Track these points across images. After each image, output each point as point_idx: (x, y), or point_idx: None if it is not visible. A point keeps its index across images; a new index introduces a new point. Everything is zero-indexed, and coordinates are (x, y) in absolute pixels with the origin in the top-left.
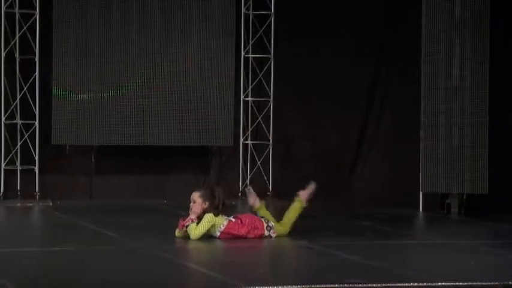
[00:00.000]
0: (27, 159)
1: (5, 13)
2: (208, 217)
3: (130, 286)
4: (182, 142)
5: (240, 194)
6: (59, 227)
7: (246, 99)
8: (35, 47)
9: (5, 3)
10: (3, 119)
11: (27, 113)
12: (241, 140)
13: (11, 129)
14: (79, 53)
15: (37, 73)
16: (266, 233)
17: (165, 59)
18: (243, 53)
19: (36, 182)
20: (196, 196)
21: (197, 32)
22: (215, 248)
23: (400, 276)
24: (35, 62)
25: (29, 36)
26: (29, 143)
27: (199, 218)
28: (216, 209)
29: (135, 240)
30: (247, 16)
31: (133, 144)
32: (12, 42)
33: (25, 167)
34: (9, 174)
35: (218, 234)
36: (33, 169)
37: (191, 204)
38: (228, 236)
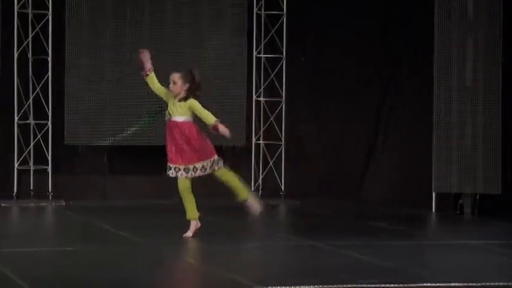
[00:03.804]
0: (40, 159)
1: (18, 13)
2: (194, 101)
3: (143, 286)
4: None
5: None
6: (71, 227)
7: (258, 99)
8: (48, 47)
9: (17, 4)
10: (16, 119)
11: (40, 113)
12: (254, 140)
13: (24, 129)
14: (91, 53)
15: (50, 73)
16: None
17: (177, 59)
18: (255, 53)
19: (49, 182)
20: (176, 77)
21: (209, 32)
22: (227, 248)
23: (413, 277)
24: (48, 62)
25: (41, 36)
26: (42, 143)
27: (180, 100)
28: (195, 90)
29: (147, 240)
30: (259, 16)
31: (145, 144)
32: (25, 43)
33: (38, 167)
34: (23, 174)
35: (188, 118)
36: (46, 169)
37: (171, 85)
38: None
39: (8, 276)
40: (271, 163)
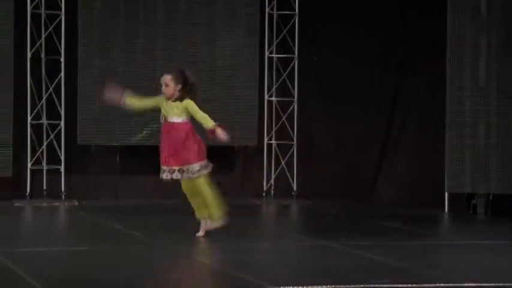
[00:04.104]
0: (53, 159)
1: (31, 14)
2: (190, 102)
3: (155, 286)
4: (206, 142)
5: (264, 194)
6: (84, 226)
7: (270, 99)
8: (61, 47)
9: (30, 4)
10: (29, 119)
11: (52, 113)
12: (266, 140)
13: (37, 129)
14: (104, 54)
15: (62, 73)
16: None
17: (189, 59)
18: (267, 53)
19: (62, 182)
20: (168, 79)
21: (222, 32)
22: (239, 247)
23: (426, 277)
24: (61, 63)
25: (54, 36)
26: (55, 143)
27: (175, 100)
28: (189, 92)
29: (159, 240)
30: (271, 16)
31: (158, 144)
32: (38, 43)
33: (51, 167)
34: (36, 174)
35: (184, 120)
36: (59, 169)
37: (163, 88)
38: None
39: (21, 276)
40: (283, 163)
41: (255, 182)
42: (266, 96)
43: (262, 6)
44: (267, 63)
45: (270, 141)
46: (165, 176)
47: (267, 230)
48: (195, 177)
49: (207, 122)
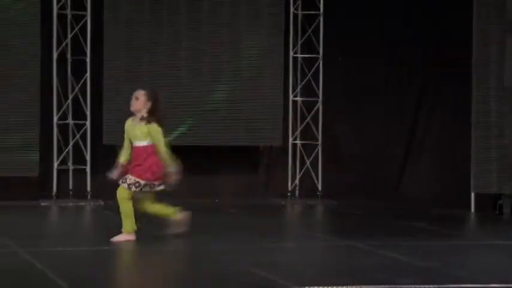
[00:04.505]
0: (79, 159)
1: (57, 14)
2: (156, 128)
3: (177, 284)
4: (232, 142)
5: (289, 194)
6: (110, 226)
7: (295, 99)
8: (86, 47)
9: (57, 5)
10: (55, 119)
11: (78, 113)
12: (290, 140)
13: (63, 129)
14: (129, 54)
15: (88, 73)
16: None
17: (213, 59)
18: (291, 53)
19: (88, 182)
20: (140, 94)
21: (246, 32)
22: (264, 247)
23: (452, 277)
24: (86, 63)
25: (80, 37)
26: (81, 143)
27: (141, 120)
28: (157, 112)
29: (186, 240)
30: (296, 16)
31: (183, 145)
32: (64, 43)
33: (77, 167)
34: (62, 174)
35: (145, 144)
36: (85, 169)
37: (132, 101)
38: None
39: (48, 275)
40: (308, 163)
41: (280, 182)
42: (291, 96)
43: (286, 6)
44: (292, 63)
45: (295, 141)
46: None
47: (292, 230)
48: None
49: (168, 161)
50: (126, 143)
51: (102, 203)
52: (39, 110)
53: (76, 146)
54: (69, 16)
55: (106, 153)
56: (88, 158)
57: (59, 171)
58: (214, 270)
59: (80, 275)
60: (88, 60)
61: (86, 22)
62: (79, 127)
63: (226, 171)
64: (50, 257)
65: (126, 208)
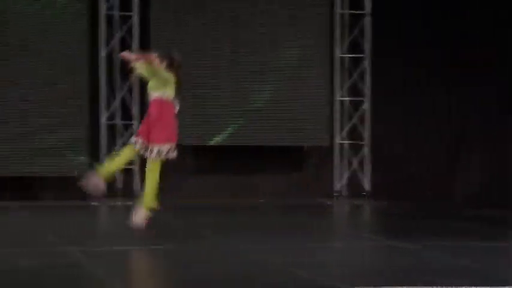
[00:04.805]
0: None
1: (105, 15)
2: (166, 74)
3: (223, 284)
4: (278, 142)
5: (336, 194)
6: (156, 225)
7: (341, 99)
8: (133, 47)
9: (105, 6)
10: (103, 119)
11: (126, 114)
12: (336, 139)
13: (110, 129)
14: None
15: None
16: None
17: (259, 60)
18: (338, 53)
19: (136, 182)
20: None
21: (291, 32)
22: (310, 247)
23: (499, 280)
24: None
25: (127, 37)
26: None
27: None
28: (176, 69)
29: (230, 240)
30: (342, 16)
31: (229, 144)
32: (112, 43)
33: (125, 167)
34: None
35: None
36: (133, 168)
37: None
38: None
39: (100, 274)
40: (355, 163)
41: (327, 182)
42: (337, 96)
43: (332, 6)
44: (338, 62)
45: (341, 141)
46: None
47: (339, 230)
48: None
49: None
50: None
51: None
52: (88, 110)
53: (124, 146)
54: (116, 16)
55: None
56: (136, 157)
57: None
58: (260, 270)
59: (131, 274)
60: None
61: (132, 22)
62: (126, 127)
63: (272, 171)
64: (100, 256)
65: (155, 181)
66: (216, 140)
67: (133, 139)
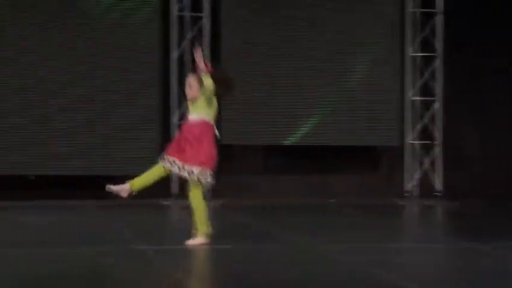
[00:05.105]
0: None
1: (177, 16)
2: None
3: (297, 284)
4: (349, 142)
5: (408, 195)
6: (229, 225)
7: (413, 98)
8: (204, 48)
9: (176, 7)
10: (175, 120)
11: None
12: (408, 139)
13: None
14: (246, 54)
15: None
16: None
17: (331, 59)
18: (409, 52)
19: None
20: (192, 80)
21: (363, 32)
22: (382, 248)
23: None
24: None
25: (198, 38)
26: None
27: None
28: (222, 89)
29: (303, 239)
30: (413, 14)
31: (300, 144)
32: (183, 45)
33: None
34: None
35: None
36: None
37: (186, 89)
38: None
39: (167, 270)
40: (426, 163)
41: (398, 182)
42: (408, 96)
43: (404, 5)
44: (409, 62)
45: (412, 141)
46: (166, 165)
47: (412, 230)
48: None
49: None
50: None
51: (221, 202)
52: (162, 110)
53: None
54: (187, 18)
55: (224, 153)
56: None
57: None
58: (335, 270)
59: (199, 272)
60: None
61: (203, 23)
62: None
63: (344, 171)
64: (171, 255)
65: (201, 206)
66: (292, 140)
67: (163, 157)
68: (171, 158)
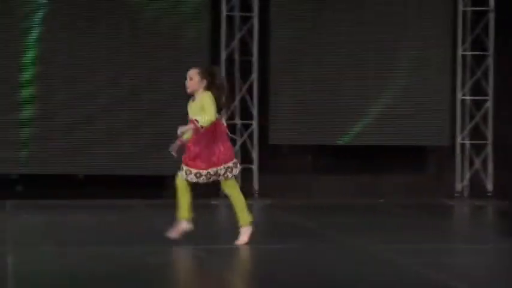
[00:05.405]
0: (247, 158)
1: (226, 16)
2: (208, 95)
3: (346, 285)
4: (399, 142)
5: (458, 195)
6: (277, 225)
7: (463, 97)
8: (253, 48)
9: (226, 7)
10: (223, 119)
11: (245, 114)
12: (458, 139)
13: (230, 129)
14: (295, 54)
15: (255, 74)
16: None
17: (379, 58)
18: (460, 51)
19: (255, 181)
20: (193, 73)
21: (413, 30)
22: (433, 248)
23: None
24: (253, 63)
25: (247, 38)
26: (248, 143)
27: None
28: (217, 89)
29: (352, 239)
30: (464, 13)
31: (350, 144)
32: (232, 44)
33: (244, 166)
34: None
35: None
36: (252, 168)
37: (187, 81)
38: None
39: (217, 269)
40: (477, 163)
41: (448, 182)
42: (459, 95)
43: (455, 3)
44: (460, 61)
45: (463, 141)
46: (190, 178)
47: (463, 231)
48: (228, 177)
49: (202, 117)
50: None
51: (270, 201)
52: None
53: (243, 146)
54: (237, 18)
55: (272, 153)
56: (255, 157)
57: None
58: (384, 270)
59: (250, 271)
60: (255, 60)
61: (253, 23)
62: (246, 127)
63: (392, 171)
64: (220, 255)
65: (241, 198)
66: (345, 140)
67: (179, 172)
68: (185, 168)
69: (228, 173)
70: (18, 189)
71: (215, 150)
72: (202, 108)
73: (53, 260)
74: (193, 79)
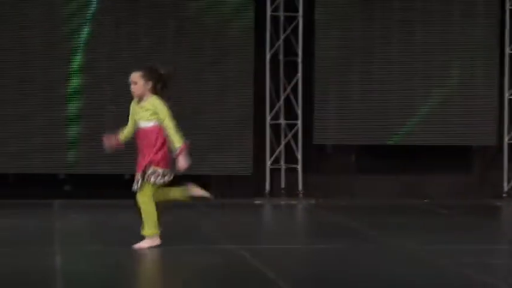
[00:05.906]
0: (291, 158)
1: (271, 16)
2: (157, 100)
3: (387, 284)
4: (444, 142)
5: (505, 195)
6: (321, 225)
7: (511, 97)
8: (298, 48)
9: (270, 7)
10: (268, 119)
11: (290, 113)
12: (506, 139)
13: (275, 129)
14: (340, 54)
15: (300, 74)
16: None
17: (425, 58)
18: (507, 49)
19: (300, 181)
20: (136, 77)
21: (459, 30)
22: (477, 249)
23: None
24: (298, 63)
25: (292, 38)
26: (292, 143)
27: (142, 100)
28: (164, 87)
29: (396, 240)
30: (511, 11)
31: (393, 144)
32: (277, 44)
33: (289, 166)
34: (274, 173)
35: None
36: (296, 168)
37: (131, 87)
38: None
39: (261, 269)
40: None
41: (495, 182)
42: (506, 95)
43: (504, 3)
44: (508, 60)
45: (511, 141)
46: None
47: (508, 232)
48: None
49: (175, 139)
50: (129, 122)
51: (314, 201)
52: (253, 110)
53: (288, 146)
54: (281, 18)
55: (317, 153)
56: (299, 157)
57: (271, 170)
58: (427, 271)
59: (295, 271)
60: (300, 60)
61: (298, 23)
62: (291, 127)
63: (438, 171)
64: (264, 254)
65: (151, 207)
66: (396, 140)
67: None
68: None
69: (152, 177)
70: (66, 189)
71: (149, 153)
72: (155, 114)
73: (100, 260)
74: (138, 83)
